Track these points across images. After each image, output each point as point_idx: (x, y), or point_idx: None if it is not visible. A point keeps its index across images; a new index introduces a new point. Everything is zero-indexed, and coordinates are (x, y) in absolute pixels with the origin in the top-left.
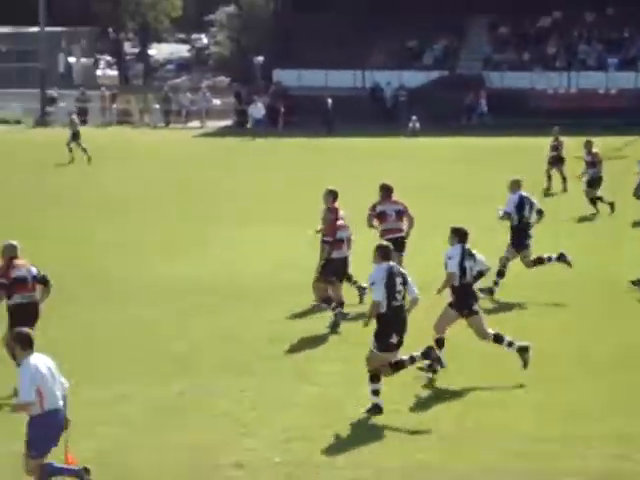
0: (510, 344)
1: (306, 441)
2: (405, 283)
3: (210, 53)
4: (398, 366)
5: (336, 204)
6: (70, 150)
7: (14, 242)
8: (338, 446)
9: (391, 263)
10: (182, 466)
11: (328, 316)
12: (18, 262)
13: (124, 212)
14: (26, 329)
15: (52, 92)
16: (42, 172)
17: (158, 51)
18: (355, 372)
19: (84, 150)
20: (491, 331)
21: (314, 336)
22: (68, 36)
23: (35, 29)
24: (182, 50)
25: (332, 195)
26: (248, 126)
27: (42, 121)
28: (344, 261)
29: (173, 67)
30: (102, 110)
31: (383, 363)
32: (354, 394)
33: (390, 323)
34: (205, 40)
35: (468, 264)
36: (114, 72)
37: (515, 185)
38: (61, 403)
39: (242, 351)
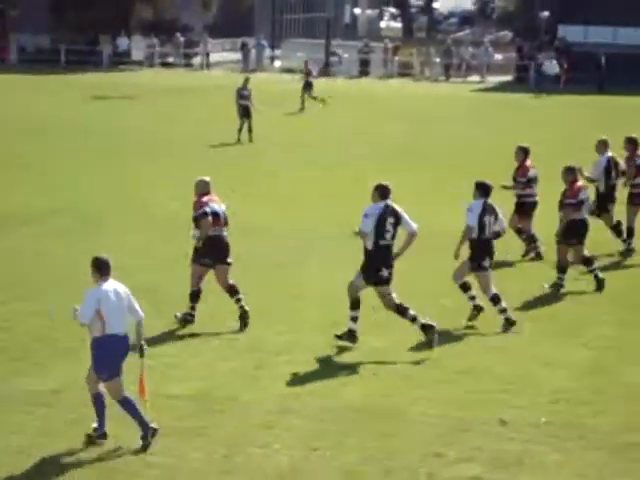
0: (502, 310)
1: (574, 404)
2: (397, 224)
3: (494, 7)
4: (400, 310)
5: (528, 162)
6: (303, 100)
7: (207, 178)
8: (607, 411)
9: (388, 202)
10: (445, 419)
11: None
12: (212, 197)
13: (404, 163)
14: (104, 255)
15: (334, 44)
16: (301, 121)
17: (443, 4)
18: (631, 338)
19: (314, 98)
20: (494, 290)
21: (581, 296)
22: None
23: None
24: (467, 3)
25: (523, 152)
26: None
27: (325, 71)
28: (584, 223)
29: (456, 20)
30: (384, 62)
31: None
32: (630, 360)
33: (375, 259)
34: None
35: (488, 220)
36: (398, 24)
37: (602, 146)
38: (124, 330)
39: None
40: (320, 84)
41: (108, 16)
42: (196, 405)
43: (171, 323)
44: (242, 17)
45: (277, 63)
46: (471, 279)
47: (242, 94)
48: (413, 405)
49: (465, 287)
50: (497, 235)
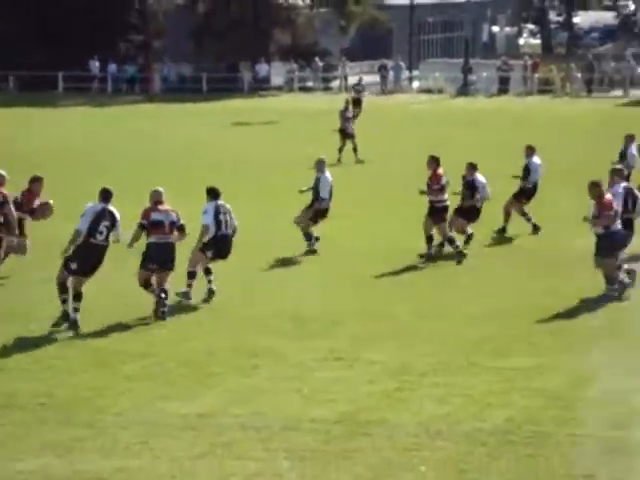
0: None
1: None
2: (231, 217)
3: (637, 20)
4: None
5: (440, 170)
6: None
7: (161, 189)
8: None
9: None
10: (596, 439)
11: None
12: (161, 207)
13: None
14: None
15: (473, 63)
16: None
17: (583, 19)
18: None
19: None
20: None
21: None
22: (494, 5)
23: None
24: (608, 17)
25: (435, 161)
26: None
27: (463, 90)
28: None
29: (597, 35)
30: (523, 79)
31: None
32: None
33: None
34: (632, 6)
35: (223, 218)
36: (537, 41)
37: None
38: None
39: None
40: (459, 103)
41: (247, 43)
42: (342, 428)
43: (315, 348)
44: (380, 39)
45: (415, 84)
46: None
47: (345, 116)
48: (561, 426)
49: (193, 275)
50: (234, 231)
